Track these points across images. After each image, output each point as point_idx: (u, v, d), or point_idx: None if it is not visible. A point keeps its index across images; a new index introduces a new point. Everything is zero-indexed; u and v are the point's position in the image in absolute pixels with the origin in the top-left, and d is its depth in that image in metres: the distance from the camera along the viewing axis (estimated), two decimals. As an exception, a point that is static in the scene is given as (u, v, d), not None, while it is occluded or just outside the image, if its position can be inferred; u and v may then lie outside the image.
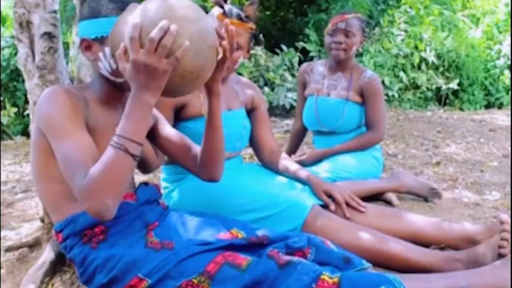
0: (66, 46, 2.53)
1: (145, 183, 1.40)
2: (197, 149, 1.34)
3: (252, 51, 5.26)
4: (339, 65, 2.25)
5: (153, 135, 1.35)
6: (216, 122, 1.25)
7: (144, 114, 1.04)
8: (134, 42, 0.99)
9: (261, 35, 1.75)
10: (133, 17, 1.03)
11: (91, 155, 1.07)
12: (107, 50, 1.17)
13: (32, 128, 1.22)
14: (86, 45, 1.20)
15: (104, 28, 1.16)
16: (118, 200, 1.05)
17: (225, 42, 1.12)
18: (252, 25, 1.68)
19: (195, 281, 1.09)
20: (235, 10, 1.65)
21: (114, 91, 1.24)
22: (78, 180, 1.03)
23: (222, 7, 1.65)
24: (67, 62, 1.66)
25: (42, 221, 1.69)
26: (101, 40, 1.18)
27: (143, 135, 1.07)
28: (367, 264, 1.22)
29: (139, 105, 1.03)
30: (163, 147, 1.37)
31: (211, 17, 1.20)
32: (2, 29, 5.75)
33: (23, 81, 1.63)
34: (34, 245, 1.71)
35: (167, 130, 1.36)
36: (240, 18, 1.65)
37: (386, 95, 5.59)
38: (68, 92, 1.15)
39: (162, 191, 1.66)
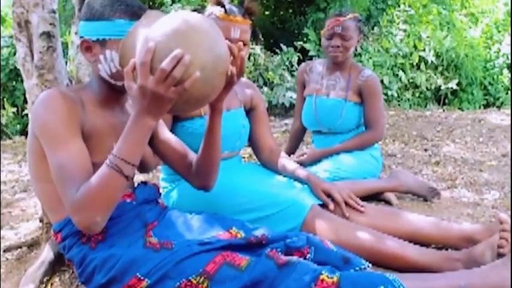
0: (65, 46, 2.53)
1: (144, 183, 1.40)
2: (193, 156, 1.35)
3: (251, 51, 5.25)
4: (337, 65, 2.25)
5: (151, 137, 1.35)
6: (216, 137, 1.25)
7: (142, 136, 1.05)
8: (145, 68, 0.97)
9: (258, 30, 1.75)
10: (148, 36, 1.01)
11: (84, 168, 1.08)
12: (108, 52, 1.16)
13: (29, 129, 1.21)
14: (86, 46, 1.19)
15: (106, 31, 1.16)
16: (107, 216, 1.07)
17: (233, 69, 1.10)
18: (250, 21, 1.68)
19: (194, 281, 1.09)
20: (235, 8, 1.65)
21: (112, 93, 1.24)
22: (70, 194, 1.05)
23: (223, 6, 1.64)
24: (66, 62, 1.65)
25: (41, 220, 1.69)
26: (103, 42, 1.17)
27: (139, 157, 1.08)
28: (366, 264, 1.22)
29: (139, 128, 1.03)
30: (160, 151, 1.36)
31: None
32: (1, 28, 5.74)
33: (22, 80, 1.62)
34: (33, 245, 1.71)
35: (166, 134, 1.36)
36: (243, 15, 1.64)
37: (386, 94, 5.60)
38: (65, 97, 1.14)
39: (161, 190, 1.66)
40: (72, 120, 1.12)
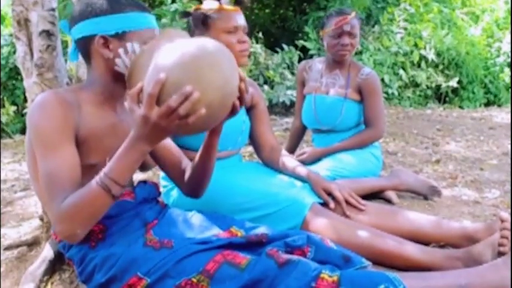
0: (65, 44, 2.52)
1: (144, 182, 1.39)
2: (187, 163, 1.36)
3: (251, 50, 5.23)
4: (337, 63, 2.25)
5: None
6: (211, 154, 1.26)
7: (136, 160, 1.05)
8: (151, 99, 0.96)
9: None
10: (160, 64, 0.97)
11: (72, 178, 1.08)
12: (129, 45, 1.16)
13: (27, 130, 1.21)
14: (104, 42, 1.18)
15: (125, 23, 1.16)
16: (88, 229, 1.10)
17: (236, 102, 1.08)
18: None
19: (194, 280, 1.09)
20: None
21: (119, 89, 1.23)
22: (55, 204, 1.05)
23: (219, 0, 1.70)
24: (65, 60, 1.65)
25: (42, 219, 1.69)
26: (121, 36, 1.16)
27: (129, 178, 1.09)
28: (366, 263, 1.22)
29: (134, 152, 1.04)
30: (156, 154, 1.36)
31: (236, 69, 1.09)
32: (1, 27, 5.74)
33: (22, 79, 1.62)
34: (33, 244, 1.71)
35: None
36: (236, 3, 1.71)
37: (386, 93, 5.59)
38: (60, 100, 1.13)
39: (161, 189, 1.66)
40: (65, 127, 1.12)
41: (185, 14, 1.76)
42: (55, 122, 1.10)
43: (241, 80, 1.06)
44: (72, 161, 1.10)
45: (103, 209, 1.07)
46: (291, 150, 2.47)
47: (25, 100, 4.69)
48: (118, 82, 1.22)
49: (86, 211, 1.05)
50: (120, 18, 1.16)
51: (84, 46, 1.20)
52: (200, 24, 1.69)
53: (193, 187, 1.34)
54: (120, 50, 1.17)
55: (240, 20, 1.69)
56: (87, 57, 1.22)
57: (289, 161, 1.83)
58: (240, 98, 1.08)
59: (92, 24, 1.17)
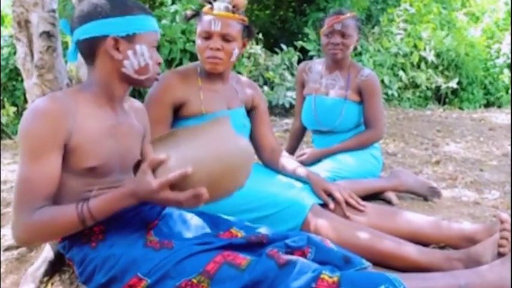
0: (65, 45, 2.52)
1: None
2: None
3: (251, 51, 5.22)
4: (336, 64, 2.25)
5: (142, 153, 1.36)
6: None
7: (121, 207, 1.12)
8: (167, 183, 1.05)
9: (252, 27, 1.77)
10: (192, 157, 1.05)
11: (47, 191, 1.11)
12: (139, 47, 1.18)
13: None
14: (114, 44, 1.17)
15: (134, 26, 1.17)
16: (46, 242, 1.15)
17: None
18: (241, 16, 1.69)
19: (194, 280, 1.09)
20: (223, 4, 1.66)
21: (121, 90, 1.23)
22: (25, 213, 1.09)
23: (210, 2, 1.68)
24: (66, 61, 1.65)
25: (41, 220, 1.69)
26: (131, 38, 1.17)
27: (106, 217, 1.13)
28: (367, 264, 1.22)
29: (123, 202, 1.11)
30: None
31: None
32: (1, 28, 5.74)
33: (22, 80, 1.62)
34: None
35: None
36: (227, 10, 1.66)
37: (386, 94, 5.60)
38: (56, 108, 1.12)
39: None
40: (53, 138, 1.11)
41: (187, 16, 1.76)
42: (44, 131, 1.10)
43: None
44: (51, 173, 1.11)
45: (70, 232, 1.13)
46: (291, 151, 2.48)
47: (25, 101, 4.69)
48: (122, 83, 1.23)
49: (54, 230, 1.10)
50: (130, 20, 1.17)
51: (90, 47, 1.19)
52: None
53: None
54: (129, 52, 1.18)
55: (216, 26, 1.63)
56: (91, 58, 1.21)
57: (289, 162, 1.83)
58: None
59: (103, 25, 1.16)
